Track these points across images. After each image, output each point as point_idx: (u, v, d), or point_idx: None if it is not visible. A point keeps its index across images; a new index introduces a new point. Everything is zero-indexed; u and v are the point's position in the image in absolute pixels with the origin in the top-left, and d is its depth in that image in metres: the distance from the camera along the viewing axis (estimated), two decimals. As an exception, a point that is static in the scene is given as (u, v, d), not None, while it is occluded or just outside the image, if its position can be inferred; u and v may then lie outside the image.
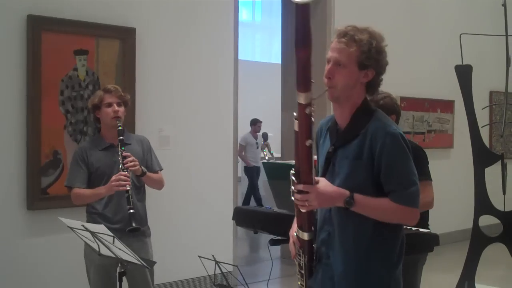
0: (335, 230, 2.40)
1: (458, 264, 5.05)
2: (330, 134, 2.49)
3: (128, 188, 3.33)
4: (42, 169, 4.74)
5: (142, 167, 3.53)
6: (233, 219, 3.89)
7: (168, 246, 5.30)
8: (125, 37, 5.18)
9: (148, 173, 3.58)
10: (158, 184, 3.74)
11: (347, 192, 2.29)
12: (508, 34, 4.72)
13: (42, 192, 4.74)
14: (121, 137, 3.45)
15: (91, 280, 3.52)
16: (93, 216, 3.52)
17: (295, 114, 2.19)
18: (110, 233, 2.59)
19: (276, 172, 3.54)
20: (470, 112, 4.79)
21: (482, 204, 4.76)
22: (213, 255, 3.25)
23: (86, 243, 3.46)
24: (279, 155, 8.05)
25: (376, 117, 2.37)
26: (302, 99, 2.16)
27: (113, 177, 3.36)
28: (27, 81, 4.63)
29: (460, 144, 8.35)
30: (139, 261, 2.62)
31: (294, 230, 2.46)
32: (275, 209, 3.62)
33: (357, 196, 2.28)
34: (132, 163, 3.40)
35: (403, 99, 7.58)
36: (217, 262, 3.28)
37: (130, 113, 5.15)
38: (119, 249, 2.65)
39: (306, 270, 2.45)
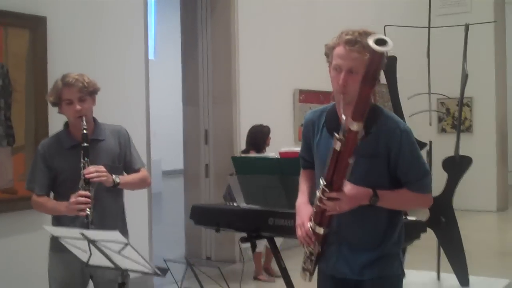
0: (348, 220, 2.50)
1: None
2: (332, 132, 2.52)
3: (88, 213, 2.87)
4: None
5: (114, 177, 3.04)
6: (190, 218, 3.66)
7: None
8: (35, 26, 4.71)
9: (122, 182, 3.09)
10: (141, 186, 3.28)
11: (370, 191, 2.44)
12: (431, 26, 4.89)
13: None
14: (85, 144, 2.96)
15: None
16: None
17: (337, 135, 2.26)
18: (123, 239, 2.29)
19: (247, 166, 3.38)
20: (396, 103, 4.92)
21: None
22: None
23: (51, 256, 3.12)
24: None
25: (384, 115, 2.50)
26: (355, 127, 2.24)
27: (72, 198, 2.91)
28: None
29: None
30: (151, 268, 2.34)
31: (305, 222, 2.58)
32: (242, 205, 3.46)
33: (379, 192, 2.44)
34: (95, 174, 2.92)
35: (301, 92, 7.66)
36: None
37: (43, 109, 4.72)
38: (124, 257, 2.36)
39: (317, 258, 2.60)
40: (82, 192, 2.91)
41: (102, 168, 2.99)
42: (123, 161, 3.22)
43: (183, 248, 7.10)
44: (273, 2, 7.42)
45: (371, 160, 2.45)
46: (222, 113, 6.83)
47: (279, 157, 3.43)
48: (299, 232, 2.61)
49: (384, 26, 5.20)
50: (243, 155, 5.38)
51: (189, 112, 7.09)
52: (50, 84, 4.70)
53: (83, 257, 2.52)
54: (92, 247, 2.38)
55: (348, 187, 2.39)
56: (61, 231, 2.52)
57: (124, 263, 2.42)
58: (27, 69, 4.66)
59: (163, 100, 14.08)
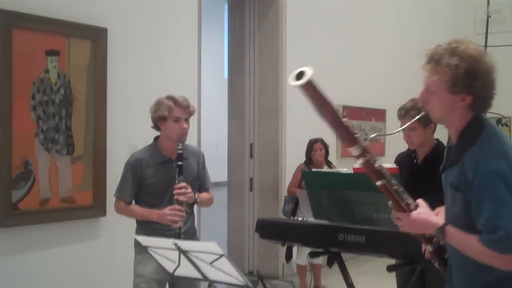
0: (451, 251, 2.35)
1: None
2: (446, 151, 2.39)
3: (181, 225, 3.23)
4: (12, 181, 4.24)
5: (196, 195, 3.40)
6: (256, 231, 3.67)
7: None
8: (96, 37, 4.78)
9: (201, 200, 3.44)
10: (208, 205, 3.60)
11: (439, 223, 2.22)
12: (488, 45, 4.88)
13: (13, 207, 4.24)
14: (180, 163, 3.28)
15: None
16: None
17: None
18: (219, 251, 2.29)
19: (317, 181, 3.38)
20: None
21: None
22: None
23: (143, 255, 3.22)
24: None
25: (479, 144, 2.18)
26: (354, 152, 2.22)
27: (169, 210, 3.24)
28: (-2, 82, 4.14)
29: (390, 152, 8.56)
30: (244, 281, 2.34)
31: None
32: (311, 219, 3.46)
33: (449, 229, 2.20)
34: (183, 196, 3.28)
35: (344, 107, 7.66)
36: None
37: (101, 119, 4.78)
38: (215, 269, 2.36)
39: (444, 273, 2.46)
40: (177, 206, 3.24)
41: (189, 188, 3.30)
42: (199, 179, 3.53)
43: (225, 261, 7.06)
44: (320, 18, 7.46)
45: (453, 191, 2.23)
46: (268, 127, 6.85)
47: (352, 172, 3.42)
48: None
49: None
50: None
51: (234, 125, 7.11)
52: (109, 95, 4.81)
53: (169, 267, 2.53)
54: (182, 257, 2.39)
55: (419, 210, 2.25)
56: (151, 241, 2.54)
57: (213, 275, 2.43)
58: (87, 79, 4.72)
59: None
